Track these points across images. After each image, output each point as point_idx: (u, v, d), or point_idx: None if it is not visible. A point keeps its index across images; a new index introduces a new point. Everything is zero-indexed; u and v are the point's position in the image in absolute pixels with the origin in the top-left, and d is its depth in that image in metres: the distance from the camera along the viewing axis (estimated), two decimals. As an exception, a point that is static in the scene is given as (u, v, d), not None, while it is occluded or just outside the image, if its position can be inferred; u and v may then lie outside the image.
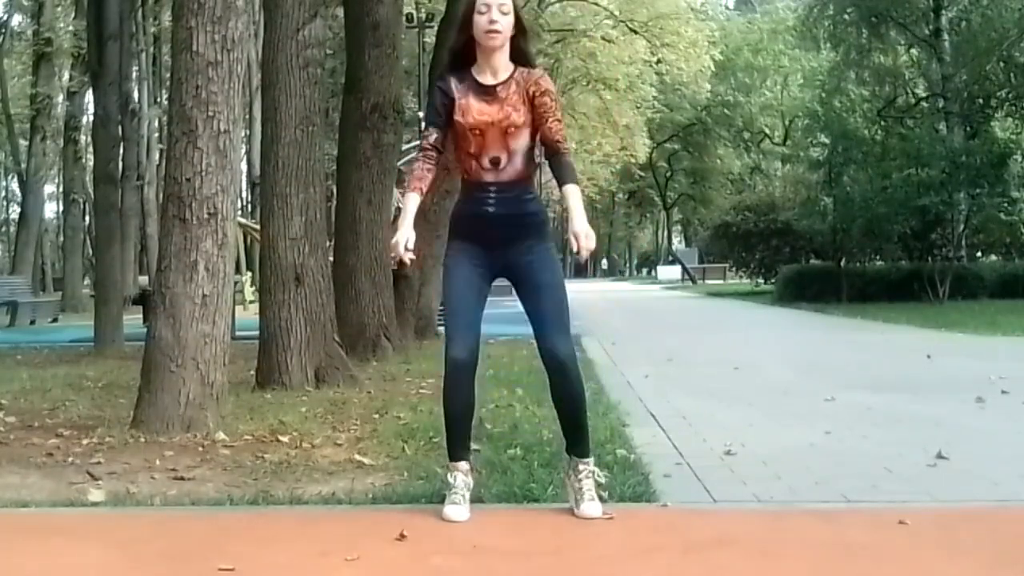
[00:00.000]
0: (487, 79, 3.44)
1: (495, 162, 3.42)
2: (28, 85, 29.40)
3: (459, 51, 3.50)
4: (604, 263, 75.57)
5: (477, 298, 3.47)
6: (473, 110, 3.42)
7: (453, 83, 3.47)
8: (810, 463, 4.37)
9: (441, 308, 12.58)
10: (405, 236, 3.37)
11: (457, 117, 3.43)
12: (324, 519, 3.50)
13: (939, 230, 20.50)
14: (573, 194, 3.41)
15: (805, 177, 24.56)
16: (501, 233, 3.43)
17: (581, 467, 3.46)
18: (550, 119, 3.44)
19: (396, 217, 15.80)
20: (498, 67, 3.46)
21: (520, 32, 3.48)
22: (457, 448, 3.45)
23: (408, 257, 3.38)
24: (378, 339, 9.44)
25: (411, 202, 3.43)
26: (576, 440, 3.49)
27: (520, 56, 3.50)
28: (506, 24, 3.40)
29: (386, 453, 4.60)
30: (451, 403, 3.42)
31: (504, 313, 9.72)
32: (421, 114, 19.41)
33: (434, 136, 3.49)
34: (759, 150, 48.14)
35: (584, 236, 3.30)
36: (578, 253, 3.35)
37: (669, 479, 4.04)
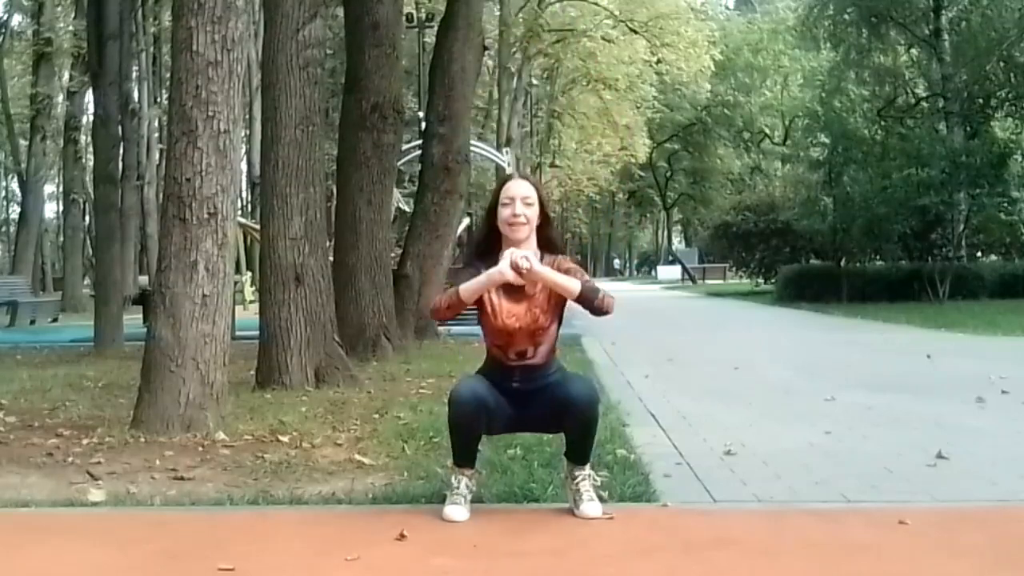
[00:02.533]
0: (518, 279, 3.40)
1: (521, 355, 3.45)
2: (28, 85, 29.39)
3: (486, 241, 3.52)
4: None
5: (494, 402, 3.41)
6: (503, 312, 3.43)
7: (483, 272, 3.43)
8: (810, 463, 4.37)
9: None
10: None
11: (487, 312, 3.44)
12: (324, 519, 3.50)
13: (939, 230, 20.50)
14: (561, 275, 3.37)
15: (805, 177, 24.55)
16: (522, 398, 3.46)
17: (577, 472, 3.46)
18: (576, 274, 3.41)
19: (396, 217, 15.85)
20: None
21: (546, 221, 3.51)
22: (463, 459, 3.45)
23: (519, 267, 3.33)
24: (378, 339, 9.43)
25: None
26: (580, 455, 3.48)
27: (547, 244, 3.51)
28: (531, 215, 3.44)
29: (386, 453, 4.60)
30: (458, 429, 3.39)
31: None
32: (421, 114, 19.43)
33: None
34: (759, 150, 48.13)
35: (523, 258, 3.29)
36: (517, 264, 3.32)
37: (669, 479, 4.04)
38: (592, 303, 3.36)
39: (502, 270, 3.32)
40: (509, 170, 22.26)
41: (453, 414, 3.35)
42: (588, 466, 3.49)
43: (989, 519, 3.43)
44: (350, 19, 10.29)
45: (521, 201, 3.44)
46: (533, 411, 3.46)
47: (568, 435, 3.47)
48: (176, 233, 5.27)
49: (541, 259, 3.43)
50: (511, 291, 3.44)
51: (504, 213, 3.45)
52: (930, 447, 4.53)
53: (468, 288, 3.38)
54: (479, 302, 3.44)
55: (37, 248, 30.13)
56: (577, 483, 3.45)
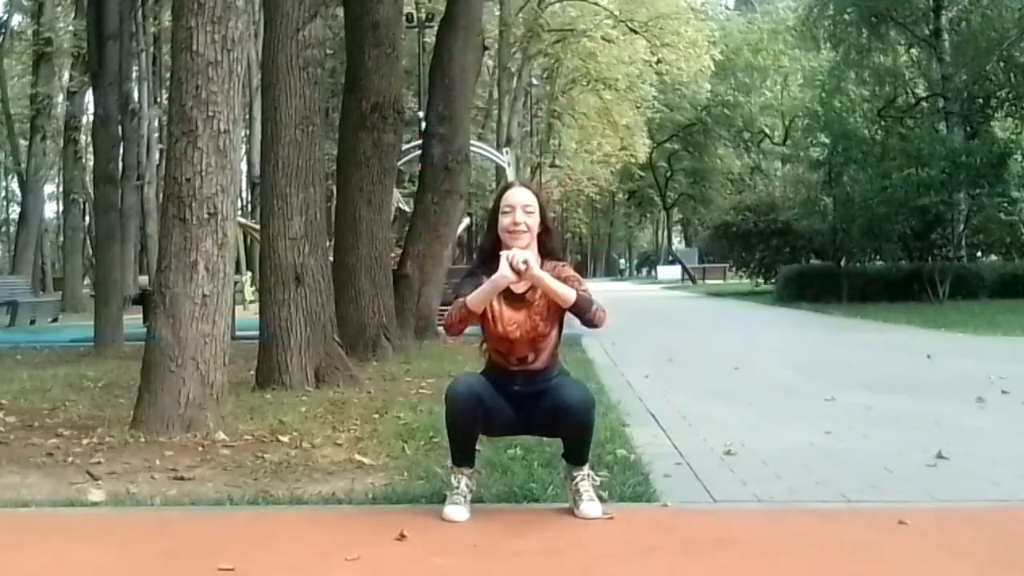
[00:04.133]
0: (517, 285, 3.42)
1: (523, 360, 3.46)
2: (28, 85, 29.38)
3: (488, 250, 3.53)
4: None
5: (492, 401, 3.42)
6: (504, 319, 3.44)
7: (485, 280, 3.43)
8: (810, 463, 4.37)
9: (441, 308, 12.61)
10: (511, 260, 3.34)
11: (488, 320, 3.45)
12: (324, 519, 3.50)
13: (939, 230, 20.48)
14: (557, 282, 3.36)
15: (805, 177, 24.54)
16: (524, 400, 3.46)
17: (575, 473, 3.47)
18: (573, 284, 3.40)
19: (396, 217, 15.85)
20: None
21: (545, 230, 3.52)
22: (462, 458, 3.45)
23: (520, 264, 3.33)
24: (378, 339, 9.43)
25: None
26: (577, 456, 3.49)
27: (547, 253, 3.52)
28: (532, 223, 3.46)
29: (386, 453, 4.60)
30: (455, 426, 3.40)
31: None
32: (421, 114, 19.42)
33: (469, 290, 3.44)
34: (759, 150, 48.14)
35: (522, 261, 3.28)
36: (512, 260, 3.32)
37: (669, 479, 4.04)
38: (584, 314, 3.36)
39: (503, 273, 3.32)
40: (509, 170, 22.30)
41: (450, 410, 3.36)
42: (587, 466, 3.50)
43: (989, 519, 3.43)
44: (350, 19, 10.29)
45: (522, 209, 3.45)
46: (533, 413, 3.46)
47: (564, 440, 3.47)
48: (176, 233, 5.27)
49: (541, 265, 3.44)
50: (512, 299, 3.45)
51: (504, 221, 3.46)
52: (930, 447, 4.53)
53: (475, 298, 3.38)
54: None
55: (37, 248, 30.12)
56: (576, 483, 3.45)
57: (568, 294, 3.35)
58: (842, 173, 21.13)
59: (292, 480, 4.10)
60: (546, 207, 3.59)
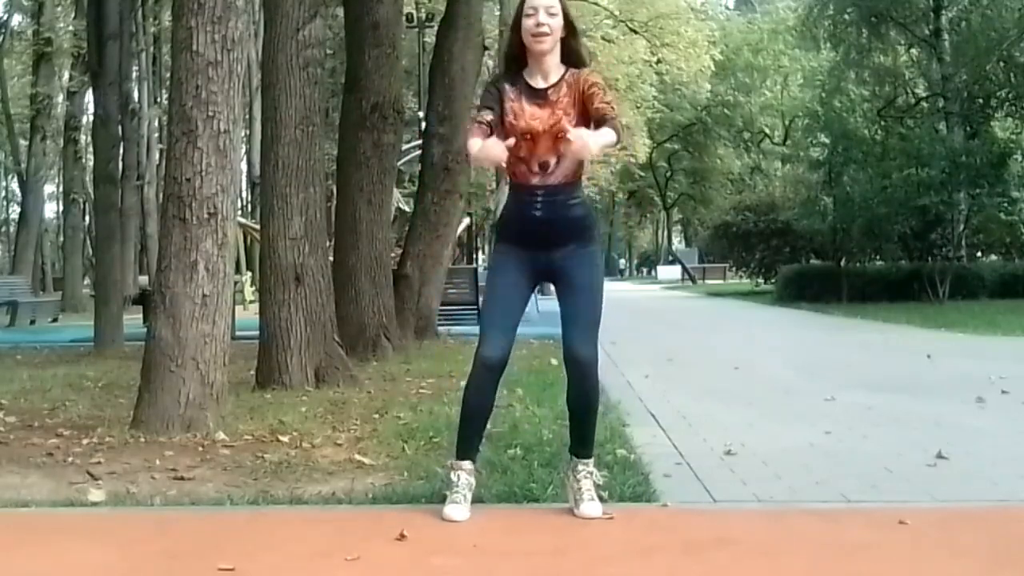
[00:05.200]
0: (538, 82, 3.43)
1: (544, 166, 3.40)
2: (28, 85, 29.38)
3: (511, 55, 3.50)
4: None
5: (519, 302, 3.48)
6: (525, 114, 3.41)
7: (506, 86, 3.46)
8: (810, 463, 4.37)
9: (441, 308, 12.61)
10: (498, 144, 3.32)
11: (509, 118, 3.42)
12: (324, 519, 3.50)
13: (939, 230, 20.48)
14: (604, 130, 3.27)
15: (805, 177, 24.53)
16: (547, 235, 3.43)
17: (580, 467, 3.47)
18: (597, 100, 3.36)
19: (396, 217, 15.85)
20: (548, 69, 3.45)
21: (571, 33, 3.48)
22: (466, 447, 3.45)
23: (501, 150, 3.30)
24: (378, 339, 9.43)
25: (478, 142, 3.35)
26: (581, 442, 3.49)
27: (572, 57, 3.48)
28: (555, 26, 3.41)
29: (386, 453, 4.60)
30: (471, 402, 3.42)
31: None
32: (421, 114, 19.42)
33: (488, 116, 3.42)
34: (759, 150, 48.12)
35: (579, 137, 3.19)
36: (567, 135, 3.26)
37: (669, 479, 4.04)
38: (616, 141, 3.31)
39: (494, 155, 3.29)
40: (509, 170, 22.25)
41: (474, 373, 3.41)
42: (592, 462, 3.49)
43: (989, 519, 3.43)
44: (350, 19, 10.28)
45: (545, 11, 3.39)
46: (555, 260, 3.42)
47: (569, 412, 3.50)
48: (176, 233, 5.27)
49: (564, 74, 3.41)
50: (533, 96, 3.42)
51: (528, 24, 3.40)
52: (930, 447, 4.53)
53: (476, 149, 3.34)
54: (500, 115, 3.41)
55: (37, 248, 30.11)
56: (579, 479, 3.44)
57: (612, 139, 3.26)
58: (842, 173, 21.13)
59: (292, 480, 4.10)
60: (569, 9, 3.52)
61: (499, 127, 3.42)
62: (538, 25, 3.39)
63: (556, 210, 3.42)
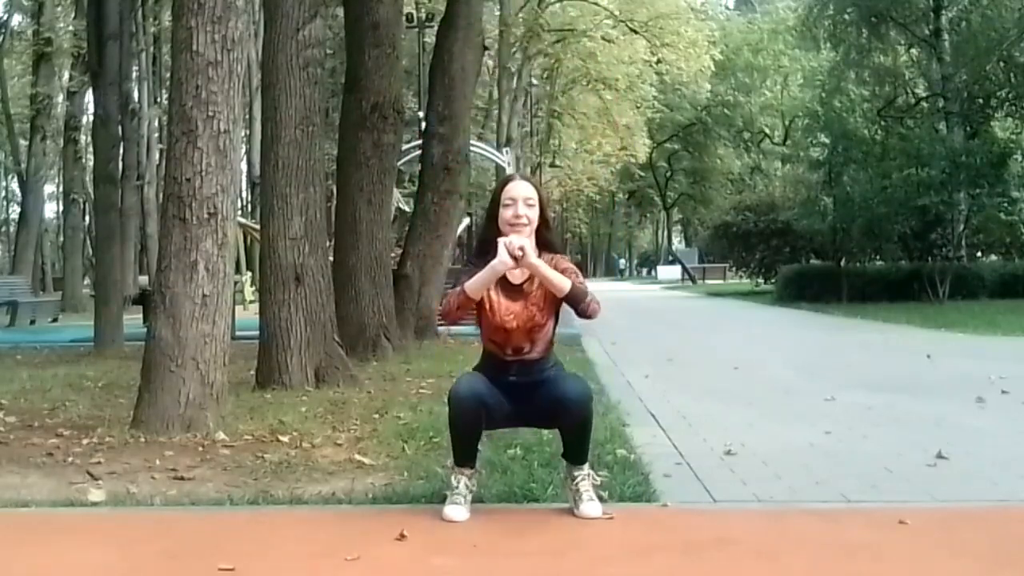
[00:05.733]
0: (515, 276, 3.45)
1: (518, 351, 3.47)
2: (28, 85, 29.37)
3: (487, 241, 3.52)
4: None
5: (492, 397, 3.42)
6: (501, 309, 3.45)
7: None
8: (810, 463, 4.37)
9: (441, 308, 12.60)
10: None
11: (486, 310, 3.46)
12: (324, 519, 3.50)
13: (939, 230, 20.48)
14: (554, 272, 3.37)
15: (805, 177, 24.53)
16: (522, 391, 3.47)
17: (576, 473, 3.47)
18: (572, 277, 3.42)
19: (396, 217, 15.85)
20: None
21: (544, 224, 3.52)
22: (463, 458, 3.45)
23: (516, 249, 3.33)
24: (378, 339, 9.43)
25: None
26: (576, 456, 3.49)
27: (546, 247, 3.52)
28: (532, 216, 3.46)
29: (386, 453, 4.60)
30: (458, 427, 3.41)
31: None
32: (421, 114, 19.42)
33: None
34: (759, 150, 48.13)
35: (519, 247, 3.29)
36: (510, 246, 3.32)
37: (669, 479, 4.04)
38: (579, 304, 3.39)
39: (501, 259, 3.33)
40: (509, 170, 22.28)
41: (453, 412, 3.37)
42: (587, 466, 3.50)
43: (989, 519, 3.43)
44: (350, 19, 10.29)
45: (523, 202, 3.46)
46: (530, 406, 3.47)
47: (564, 435, 3.48)
48: (176, 233, 5.27)
49: (539, 256, 3.44)
50: (509, 289, 3.47)
51: (506, 214, 3.46)
52: (930, 447, 4.53)
53: (473, 284, 3.39)
54: (479, 300, 3.46)
55: (37, 248, 30.11)
56: (576, 483, 3.45)
57: (563, 283, 3.37)
58: (842, 173, 21.13)
59: (292, 480, 4.10)
60: (546, 201, 3.60)
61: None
62: (516, 216, 3.44)
63: (531, 375, 3.48)
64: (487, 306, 3.46)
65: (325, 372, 7.25)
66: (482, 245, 3.58)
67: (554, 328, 3.54)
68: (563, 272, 3.42)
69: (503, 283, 3.46)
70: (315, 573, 2.89)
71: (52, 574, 2.93)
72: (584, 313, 3.40)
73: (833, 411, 5.96)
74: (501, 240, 3.37)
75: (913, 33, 24.67)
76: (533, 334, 3.46)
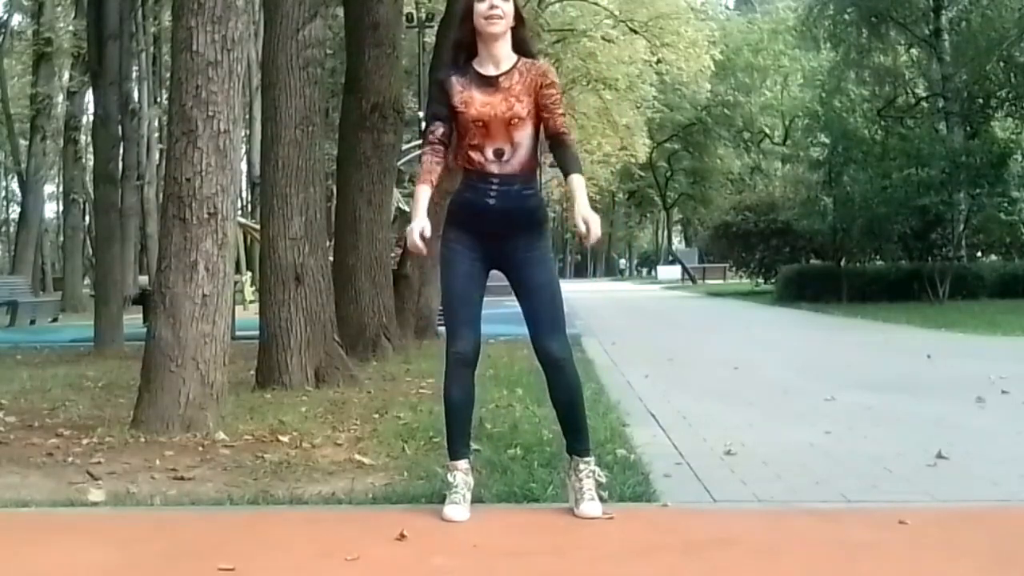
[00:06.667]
0: (489, 70, 3.44)
1: (499, 154, 3.41)
2: (28, 85, 29.41)
3: (461, 43, 3.50)
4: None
5: (477, 292, 3.49)
6: (476, 102, 3.40)
7: (454, 79, 3.47)
8: (810, 463, 4.37)
9: (441, 308, 12.61)
10: (420, 225, 3.39)
11: (460, 109, 3.41)
12: (324, 519, 3.50)
13: (939, 230, 20.49)
14: (579, 183, 3.41)
15: (805, 177, 24.53)
16: (500, 226, 3.43)
17: (582, 466, 3.46)
18: (555, 113, 3.44)
19: (396, 217, 15.86)
20: (500, 57, 3.46)
21: (519, 22, 3.49)
22: (458, 445, 3.45)
23: (421, 247, 3.38)
24: (378, 339, 9.43)
25: (422, 193, 3.45)
26: (575, 438, 3.49)
27: (521, 46, 3.50)
28: (507, 11, 3.42)
29: (386, 453, 4.60)
30: (452, 398, 3.44)
31: (504, 313, 9.69)
32: (421, 114, 19.44)
33: (440, 130, 3.48)
34: (759, 150, 48.15)
35: (593, 222, 3.31)
36: (587, 238, 3.34)
37: (669, 479, 4.04)
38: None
39: (413, 240, 3.41)
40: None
41: (448, 383, 3.41)
42: (592, 460, 3.49)
43: (989, 519, 3.43)
44: (350, 19, 10.29)
45: None
46: (508, 252, 3.44)
47: (555, 410, 3.52)
48: (176, 233, 5.27)
49: (516, 62, 3.44)
50: (484, 83, 3.42)
51: (480, 7, 3.40)
52: (930, 447, 4.52)
53: (416, 207, 3.43)
54: (450, 107, 3.42)
55: (37, 248, 30.12)
56: (581, 478, 3.43)
57: (582, 180, 3.44)
58: (842, 173, 21.13)
59: (292, 480, 4.10)
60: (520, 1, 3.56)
61: (449, 125, 3.45)
62: (491, 7, 3.39)
63: (510, 200, 3.42)
64: (461, 106, 3.40)
65: (325, 372, 7.25)
66: (458, 46, 3.53)
67: (535, 137, 3.45)
68: (548, 90, 3.41)
69: (477, 78, 3.43)
70: (315, 573, 2.89)
71: (52, 574, 2.93)
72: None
73: (833, 411, 5.95)
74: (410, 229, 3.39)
75: (913, 33, 24.68)
76: (512, 131, 3.39)
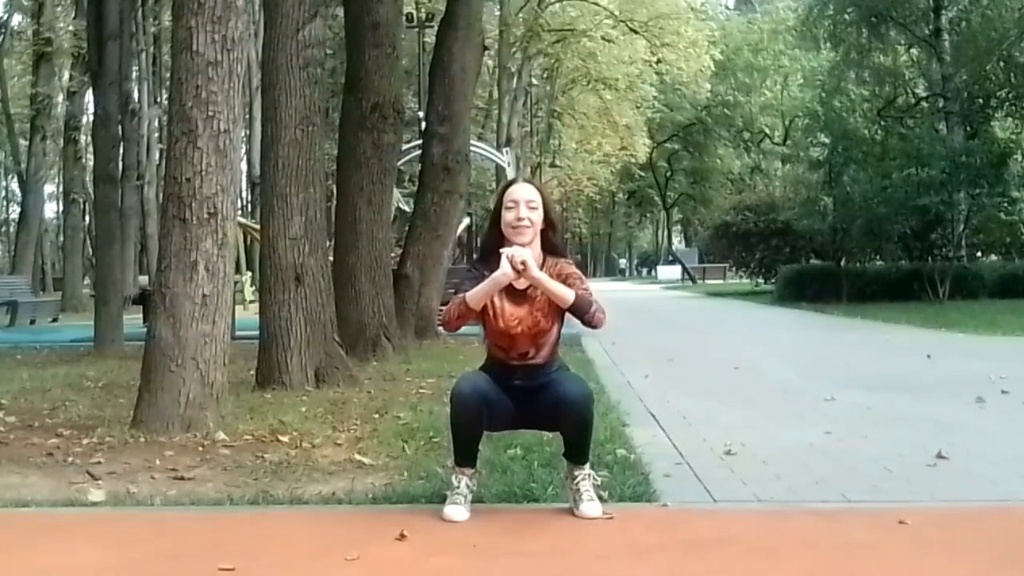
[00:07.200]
0: (519, 282, 3.40)
1: (523, 355, 3.46)
2: (28, 85, 29.38)
3: (491, 247, 3.50)
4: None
5: (495, 398, 3.41)
6: (505, 313, 3.43)
7: (486, 274, 3.42)
8: (810, 463, 4.37)
9: (441, 308, 12.60)
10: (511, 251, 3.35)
11: (489, 315, 3.44)
12: (324, 519, 3.50)
13: (939, 230, 20.47)
14: (560, 285, 3.36)
15: (805, 177, 24.53)
16: (526, 394, 3.46)
17: (576, 472, 3.47)
18: (575, 287, 3.40)
19: (396, 217, 15.85)
20: None
21: (550, 226, 3.50)
22: (464, 458, 3.45)
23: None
24: (378, 339, 9.44)
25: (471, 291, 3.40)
26: (577, 457, 3.49)
27: (551, 250, 3.51)
28: (535, 219, 3.44)
29: (386, 453, 4.60)
30: (459, 425, 3.41)
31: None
32: (421, 114, 19.42)
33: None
34: (759, 150, 48.15)
35: (520, 261, 3.29)
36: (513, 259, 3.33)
37: (669, 479, 4.04)
38: (583, 315, 3.37)
39: (503, 270, 3.32)
40: (509, 170, 22.29)
41: (455, 410, 3.36)
42: (588, 466, 3.50)
43: (989, 519, 3.43)
44: (350, 19, 10.29)
45: (525, 205, 3.43)
46: (533, 408, 3.46)
47: (565, 435, 3.47)
48: (176, 233, 5.27)
49: (543, 262, 3.43)
50: (513, 295, 3.44)
51: (508, 217, 3.44)
52: (930, 447, 4.53)
53: (475, 295, 3.38)
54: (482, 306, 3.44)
55: (37, 248, 30.11)
56: (577, 483, 3.45)
57: (567, 295, 3.35)
58: (842, 173, 21.12)
59: (292, 480, 4.10)
60: (550, 203, 3.57)
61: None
62: (518, 219, 3.42)
63: (536, 380, 3.46)
64: (491, 312, 3.43)
65: (325, 372, 7.25)
66: (485, 251, 3.57)
67: (559, 332, 3.52)
68: (566, 280, 3.40)
69: (507, 288, 3.43)
70: (315, 573, 2.89)
71: (52, 574, 2.93)
72: (589, 323, 3.38)
73: (833, 411, 5.95)
74: (504, 251, 3.35)
75: (913, 33, 24.67)
76: (538, 339, 3.44)
